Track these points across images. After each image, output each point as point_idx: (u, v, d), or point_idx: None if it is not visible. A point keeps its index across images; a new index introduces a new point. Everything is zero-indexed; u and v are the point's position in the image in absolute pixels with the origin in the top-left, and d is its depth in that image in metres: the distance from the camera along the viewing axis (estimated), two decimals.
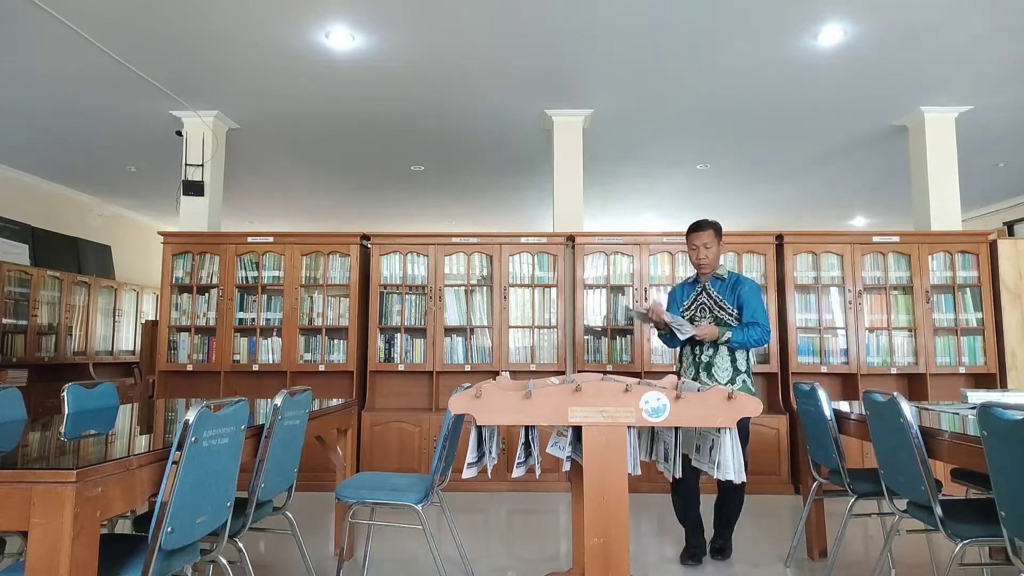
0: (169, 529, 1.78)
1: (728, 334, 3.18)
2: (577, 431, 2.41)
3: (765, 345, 3.35)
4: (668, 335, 3.32)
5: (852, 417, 3.01)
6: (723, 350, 3.24)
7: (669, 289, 5.23)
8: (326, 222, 9.73)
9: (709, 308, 3.33)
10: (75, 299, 7.55)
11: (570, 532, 3.87)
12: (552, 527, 4.04)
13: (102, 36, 4.19)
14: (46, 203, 7.69)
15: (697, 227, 3.35)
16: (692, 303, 3.41)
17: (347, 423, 3.50)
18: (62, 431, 2.28)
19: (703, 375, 3.26)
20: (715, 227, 3.34)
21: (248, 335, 5.27)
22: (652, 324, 3.32)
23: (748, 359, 3.30)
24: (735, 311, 3.28)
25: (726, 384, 3.20)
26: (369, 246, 5.31)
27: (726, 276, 3.35)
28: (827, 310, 5.15)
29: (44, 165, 7.03)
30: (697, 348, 3.31)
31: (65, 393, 2.85)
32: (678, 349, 3.49)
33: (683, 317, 3.34)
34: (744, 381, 3.24)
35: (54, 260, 7.59)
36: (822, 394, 3.05)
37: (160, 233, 5.43)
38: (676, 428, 2.37)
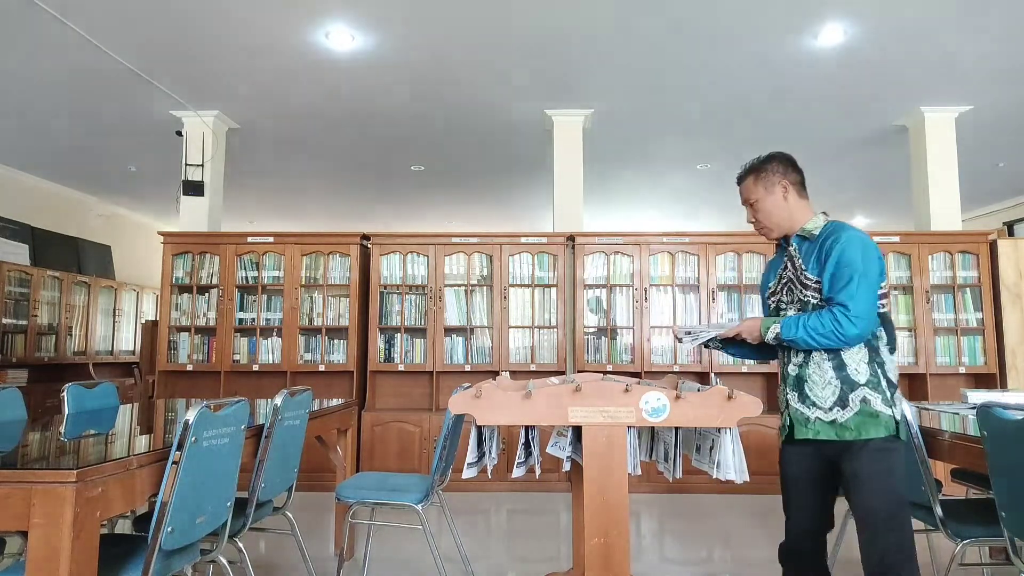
0: (169, 529, 1.78)
1: (775, 327, 2.06)
2: (577, 431, 2.41)
3: (853, 344, 1.96)
4: (725, 345, 2.30)
5: None
6: (817, 356, 2.04)
7: (669, 289, 5.24)
8: (326, 222, 9.72)
9: (793, 285, 2.15)
10: (75, 299, 7.54)
11: (570, 532, 3.87)
12: (552, 527, 4.04)
13: (102, 36, 4.19)
14: (46, 203, 7.68)
15: (738, 180, 2.27)
16: (779, 282, 2.24)
17: (347, 423, 3.50)
18: (62, 431, 2.28)
19: (792, 396, 2.11)
20: (757, 171, 2.19)
21: (248, 335, 5.27)
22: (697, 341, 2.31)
23: (879, 363, 2.00)
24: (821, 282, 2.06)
25: (831, 409, 2.01)
26: (369, 246, 5.31)
27: (817, 231, 2.11)
28: None
29: (44, 165, 7.03)
30: (786, 355, 2.15)
31: (65, 393, 2.85)
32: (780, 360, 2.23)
33: (771, 304, 2.28)
34: (864, 400, 1.96)
35: (54, 260, 7.59)
36: None
37: (160, 233, 5.43)
38: (676, 428, 2.36)
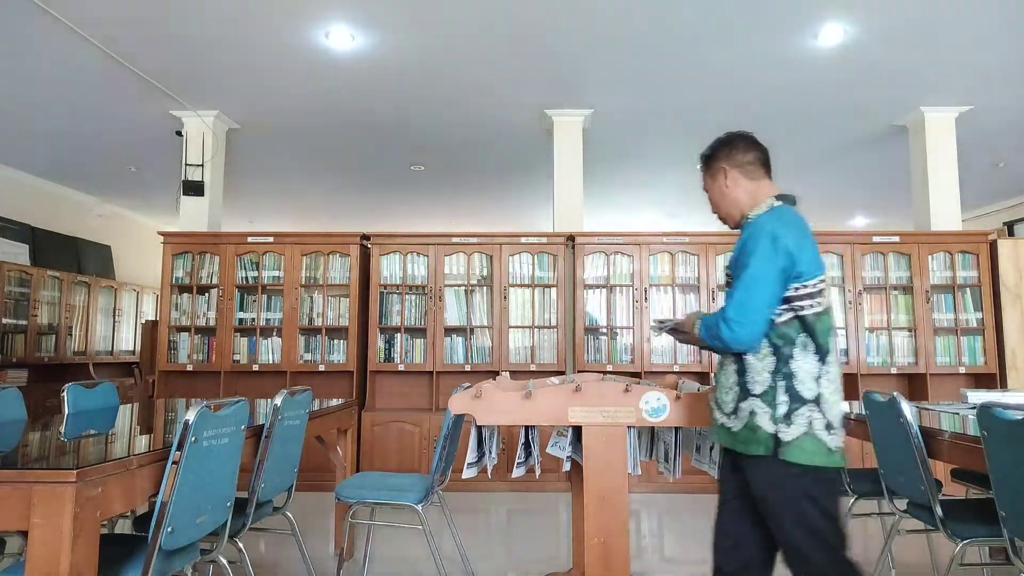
0: (169, 529, 1.78)
1: (698, 325, 1.90)
2: (577, 431, 2.41)
3: (736, 349, 1.80)
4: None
5: (852, 417, 3.01)
6: (726, 359, 1.90)
7: (669, 289, 5.24)
8: (326, 222, 9.72)
9: None
10: (75, 299, 7.54)
11: (570, 532, 3.87)
12: (552, 527, 4.04)
13: (102, 36, 4.19)
14: (46, 203, 7.68)
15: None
16: None
17: (347, 423, 3.50)
18: (62, 431, 2.28)
19: (713, 396, 1.99)
20: (704, 159, 2.05)
21: (248, 335, 5.27)
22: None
23: (785, 374, 1.76)
24: None
25: (729, 416, 1.86)
26: (369, 246, 5.31)
27: (752, 219, 1.91)
28: None
29: (44, 165, 7.03)
30: None
31: (65, 393, 2.85)
32: None
33: None
34: (752, 413, 1.78)
35: (54, 260, 7.59)
36: None
37: (160, 233, 5.43)
38: (676, 428, 2.37)
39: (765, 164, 1.98)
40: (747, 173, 1.96)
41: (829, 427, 1.74)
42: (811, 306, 1.77)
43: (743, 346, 1.78)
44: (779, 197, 1.92)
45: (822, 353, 1.77)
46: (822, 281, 1.79)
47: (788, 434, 1.73)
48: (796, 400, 1.74)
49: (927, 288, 5.09)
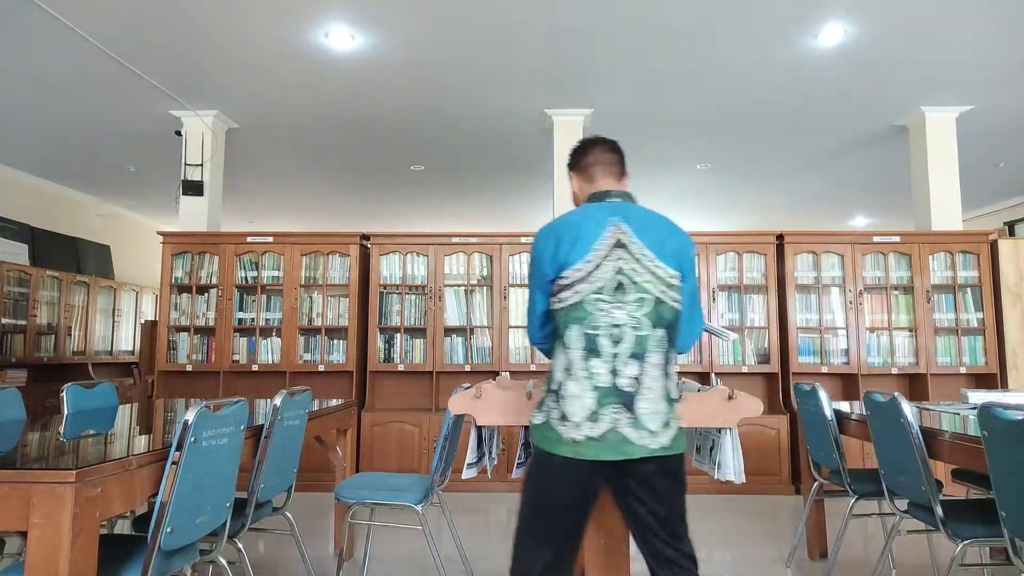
0: (169, 529, 1.77)
1: None
2: None
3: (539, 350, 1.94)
4: None
5: (852, 417, 3.01)
6: None
7: None
8: (326, 222, 9.72)
9: None
10: (74, 299, 7.54)
11: None
12: None
13: (102, 36, 4.19)
14: (46, 203, 7.68)
15: None
16: None
17: (347, 423, 3.50)
18: (61, 431, 2.28)
19: None
20: (568, 166, 2.04)
21: (247, 335, 5.27)
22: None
23: (554, 367, 1.82)
24: None
25: None
26: (369, 246, 5.30)
27: None
28: (828, 310, 5.15)
29: (44, 165, 7.03)
30: None
31: (64, 393, 2.85)
32: None
33: None
34: None
35: (54, 260, 7.59)
36: (822, 394, 3.05)
37: (160, 233, 5.42)
38: None
39: (608, 165, 1.94)
40: (587, 177, 1.96)
41: (564, 418, 1.73)
42: (559, 301, 1.78)
43: (538, 348, 1.93)
44: (592, 196, 1.89)
45: (565, 345, 1.77)
46: (566, 276, 1.76)
47: (535, 419, 1.81)
48: (547, 391, 1.81)
49: (928, 288, 5.09)
